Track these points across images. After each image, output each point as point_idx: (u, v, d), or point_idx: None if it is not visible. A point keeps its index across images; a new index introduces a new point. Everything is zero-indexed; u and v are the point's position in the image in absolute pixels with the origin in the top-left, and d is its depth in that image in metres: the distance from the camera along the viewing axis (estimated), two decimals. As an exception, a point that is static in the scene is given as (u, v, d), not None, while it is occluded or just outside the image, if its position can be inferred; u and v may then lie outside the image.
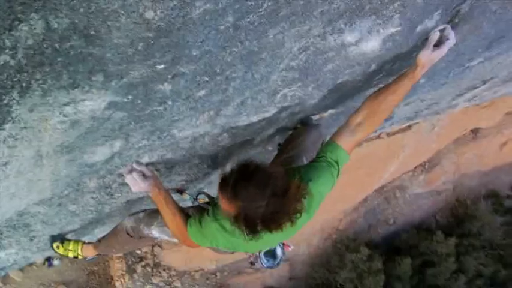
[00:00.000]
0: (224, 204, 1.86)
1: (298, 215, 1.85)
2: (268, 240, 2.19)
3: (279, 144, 3.34)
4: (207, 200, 2.71)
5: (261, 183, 1.78)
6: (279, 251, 2.58)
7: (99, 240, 3.31)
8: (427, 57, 2.15)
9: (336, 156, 2.19)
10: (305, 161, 2.84)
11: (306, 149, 2.90)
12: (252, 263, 2.76)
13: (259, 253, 2.59)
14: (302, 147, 2.90)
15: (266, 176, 1.80)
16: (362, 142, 2.32)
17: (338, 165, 2.20)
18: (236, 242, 2.21)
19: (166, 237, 2.78)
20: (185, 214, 2.39)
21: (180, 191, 2.96)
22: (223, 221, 2.12)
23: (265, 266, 2.62)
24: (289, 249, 2.65)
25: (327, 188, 2.21)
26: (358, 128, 2.21)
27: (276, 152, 3.28)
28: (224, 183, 1.84)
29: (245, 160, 1.89)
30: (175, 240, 2.57)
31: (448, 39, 2.16)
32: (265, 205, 1.75)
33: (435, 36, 2.14)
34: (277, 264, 2.63)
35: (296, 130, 3.17)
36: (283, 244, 2.61)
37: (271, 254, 2.59)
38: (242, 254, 3.08)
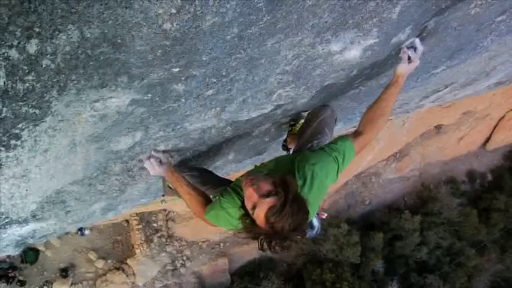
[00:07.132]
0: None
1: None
2: None
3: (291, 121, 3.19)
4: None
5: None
6: (315, 221, 2.36)
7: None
8: (404, 69, 2.24)
9: (344, 146, 2.15)
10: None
11: (323, 131, 2.69)
12: None
13: None
14: (319, 129, 2.69)
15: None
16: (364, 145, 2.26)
17: (344, 154, 2.13)
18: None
19: None
20: (203, 194, 2.36)
21: None
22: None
23: (307, 236, 2.45)
24: (324, 217, 2.48)
25: (329, 169, 2.11)
26: (359, 135, 2.21)
27: (286, 134, 3.23)
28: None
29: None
30: None
31: (416, 51, 2.24)
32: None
33: (407, 53, 2.23)
34: (317, 232, 2.38)
35: (309, 114, 2.89)
36: (317, 214, 2.41)
37: (309, 224, 2.30)
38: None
